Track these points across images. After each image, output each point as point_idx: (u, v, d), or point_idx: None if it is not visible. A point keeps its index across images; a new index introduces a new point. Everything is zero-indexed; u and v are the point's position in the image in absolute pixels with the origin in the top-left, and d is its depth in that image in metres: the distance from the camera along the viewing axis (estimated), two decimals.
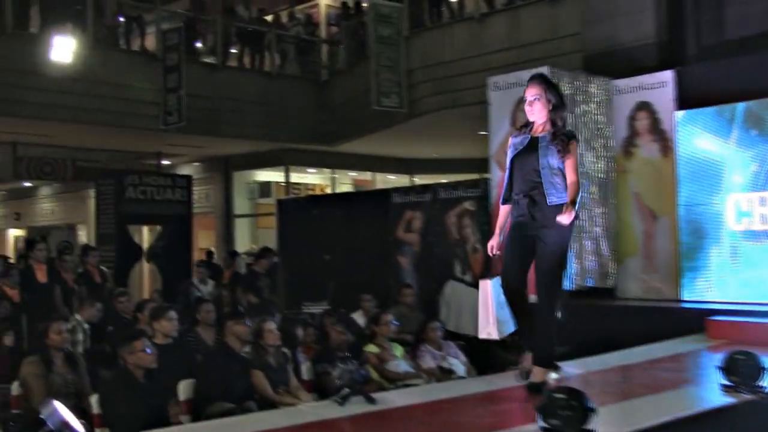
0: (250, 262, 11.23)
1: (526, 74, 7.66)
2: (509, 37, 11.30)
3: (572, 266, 7.40)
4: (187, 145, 14.85)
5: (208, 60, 14.18)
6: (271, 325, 5.93)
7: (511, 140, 4.52)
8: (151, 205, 12.76)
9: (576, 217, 4.27)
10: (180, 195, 13.00)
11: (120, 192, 12.36)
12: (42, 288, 8.64)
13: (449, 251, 8.75)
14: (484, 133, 8.65)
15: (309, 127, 14.59)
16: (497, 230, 4.58)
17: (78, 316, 7.34)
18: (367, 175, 17.63)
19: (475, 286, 8.17)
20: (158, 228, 14.05)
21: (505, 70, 8.80)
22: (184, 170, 16.47)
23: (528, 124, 4.49)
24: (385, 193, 10.09)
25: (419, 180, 16.53)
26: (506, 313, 4.58)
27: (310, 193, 16.46)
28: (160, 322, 6.24)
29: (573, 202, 4.19)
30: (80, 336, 7.12)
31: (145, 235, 16.65)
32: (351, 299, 8.37)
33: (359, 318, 7.82)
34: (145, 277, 16.39)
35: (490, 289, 4.61)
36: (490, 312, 4.65)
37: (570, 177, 4.31)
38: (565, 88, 7.51)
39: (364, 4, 14.76)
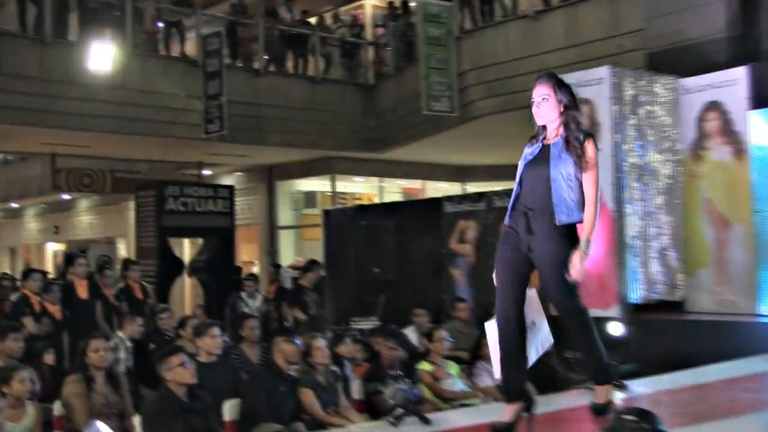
0: (296, 276, 11.29)
1: (585, 74, 7.65)
2: (567, 35, 11.21)
3: (638, 278, 7.29)
4: (228, 155, 15.02)
5: (250, 65, 14.34)
6: (321, 343, 5.94)
7: (524, 152, 4.16)
8: (193, 217, 12.85)
9: (573, 241, 3.87)
10: (222, 206, 13.11)
11: (160, 204, 12.49)
12: (83, 304, 8.81)
13: None
14: None
15: (355, 134, 14.65)
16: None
17: (120, 333, 7.44)
18: (416, 184, 17.64)
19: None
20: (200, 241, 14.21)
21: (563, 70, 8.63)
22: (226, 180, 16.67)
23: (539, 133, 4.13)
24: (437, 202, 10.07)
25: (472, 188, 16.46)
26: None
27: (358, 202, 16.51)
28: (203, 339, 6.27)
29: (587, 243, 3.81)
30: (122, 354, 7.21)
31: (186, 249, 16.86)
32: (402, 314, 8.35)
33: (411, 334, 7.79)
34: (187, 292, 16.61)
35: (496, 332, 4.16)
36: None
37: (588, 192, 3.91)
38: (628, 89, 7.43)
39: (412, 4, 14.80)
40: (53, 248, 24.70)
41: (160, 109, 12.57)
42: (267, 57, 14.36)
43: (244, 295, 10.40)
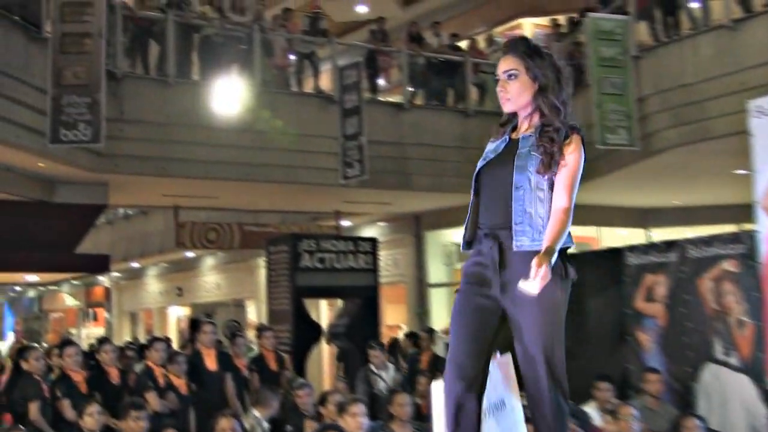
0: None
1: None
2: None
3: None
4: (370, 202, 15.23)
5: (393, 99, 14.56)
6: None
7: (486, 148, 3.64)
8: (331, 275, 13.01)
9: (563, 274, 3.38)
10: (364, 262, 13.23)
11: (294, 260, 12.72)
12: (211, 377, 9.03)
13: (706, 326, 8.39)
14: (742, 172, 8.28)
15: None
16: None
17: (256, 412, 7.57)
18: (590, 231, 17.31)
19: (744, 370, 7.82)
20: (339, 302, 14.38)
21: None
22: (368, 232, 16.89)
23: (510, 121, 3.61)
24: (617, 253, 9.90)
25: (658, 234, 16.01)
26: None
27: None
28: (344, 419, 6.32)
29: (550, 251, 3.21)
30: None
31: (323, 311, 17.13)
32: (580, 388, 8.14)
33: (592, 411, 7.67)
34: (325, 361, 16.82)
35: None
36: (443, 427, 3.64)
37: (558, 200, 3.38)
38: None
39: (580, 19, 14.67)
40: (177, 313, 25.65)
41: (292, 152, 12.89)
42: (412, 89, 14.55)
43: (373, 367, 10.31)
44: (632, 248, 9.88)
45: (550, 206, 3.38)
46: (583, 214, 14.48)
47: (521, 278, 3.19)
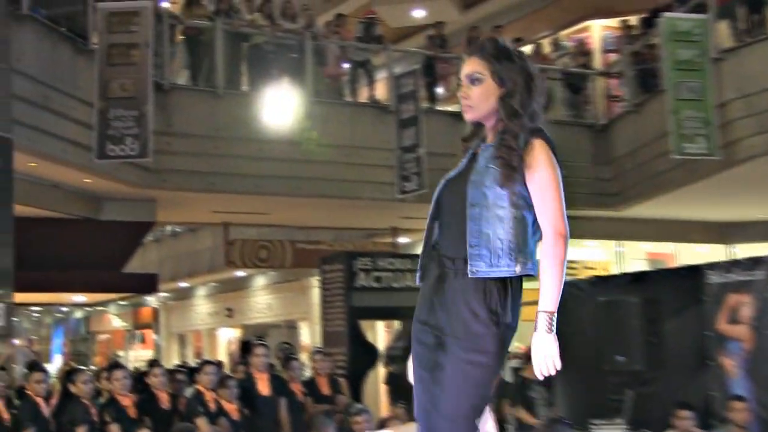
0: (518, 367, 11.13)
1: None
2: None
3: None
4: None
5: (453, 108, 14.51)
6: None
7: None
8: (388, 295, 12.93)
9: (498, 319, 3.12)
10: None
11: (349, 279, 12.68)
12: (264, 402, 9.05)
13: None
14: None
15: (585, 187, 14.40)
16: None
17: None
18: (666, 247, 17.11)
19: None
20: (396, 324, 14.31)
21: None
22: None
23: (476, 135, 3.36)
24: (697, 271, 9.72)
25: (741, 251, 15.76)
26: None
27: (591, 273, 16.16)
28: None
29: (551, 319, 3.10)
30: None
31: (380, 333, 17.06)
32: (658, 416, 8.09)
33: None
34: (383, 386, 16.75)
35: None
36: None
37: (545, 223, 3.10)
38: None
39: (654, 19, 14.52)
40: (227, 335, 25.77)
41: (346, 166, 12.91)
42: None
43: None
44: (713, 266, 9.72)
45: (512, 225, 3.09)
46: (658, 229, 14.45)
47: (461, 308, 3.09)
